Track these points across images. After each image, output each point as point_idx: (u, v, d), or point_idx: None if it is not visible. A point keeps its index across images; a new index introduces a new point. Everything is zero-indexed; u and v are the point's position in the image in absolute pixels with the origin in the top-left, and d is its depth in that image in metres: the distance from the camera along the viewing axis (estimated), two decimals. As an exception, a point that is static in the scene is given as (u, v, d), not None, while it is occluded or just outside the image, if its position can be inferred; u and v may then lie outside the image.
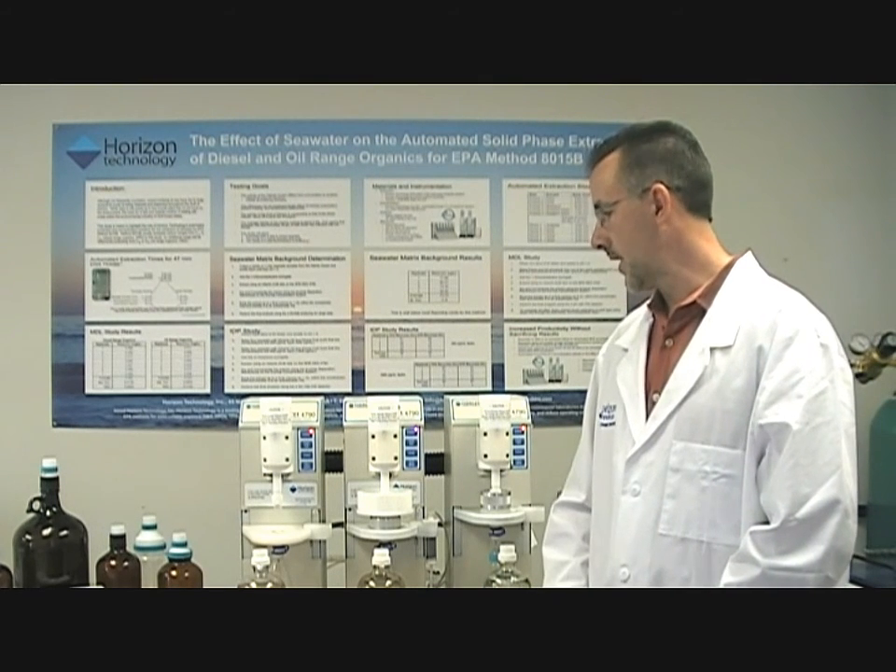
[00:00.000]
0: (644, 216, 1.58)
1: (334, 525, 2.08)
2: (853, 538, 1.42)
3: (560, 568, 1.73)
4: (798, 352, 1.45)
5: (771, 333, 1.46)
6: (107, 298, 2.96)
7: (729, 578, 1.42)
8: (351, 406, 2.14)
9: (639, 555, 1.53)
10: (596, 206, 1.64)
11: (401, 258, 3.02)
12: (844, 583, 1.48)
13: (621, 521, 1.57)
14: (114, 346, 2.96)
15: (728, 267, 1.58)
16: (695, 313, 1.57)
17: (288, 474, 2.05)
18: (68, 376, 2.93)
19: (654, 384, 1.59)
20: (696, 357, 1.53)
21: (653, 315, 1.67)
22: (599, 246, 1.65)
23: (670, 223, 1.57)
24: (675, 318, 1.60)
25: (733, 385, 1.48)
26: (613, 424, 1.64)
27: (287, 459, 2.04)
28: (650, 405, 1.58)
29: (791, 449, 1.41)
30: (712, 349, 1.51)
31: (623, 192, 1.59)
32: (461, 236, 3.02)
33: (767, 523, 1.42)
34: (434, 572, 2.16)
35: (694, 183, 1.59)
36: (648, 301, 1.69)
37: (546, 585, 1.76)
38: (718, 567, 1.45)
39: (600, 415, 1.70)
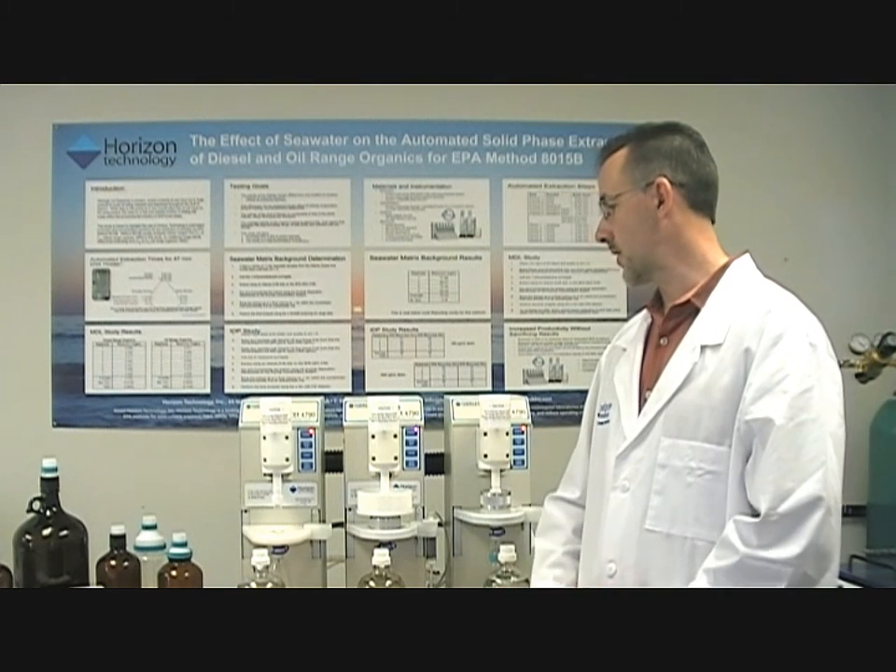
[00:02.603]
0: (646, 209, 1.59)
1: (334, 525, 2.08)
2: (836, 536, 1.42)
3: (547, 556, 1.76)
4: (785, 350, 1.46)
5: (759, 334, 1.47)
6: (107, 298, 2.96)
7: (709, 562, 1.43)
8: (351, 406, 2.14)
9: (626, 551, 1.54)
10: (602, 200, 1.65)
11: (401, 258, 3.02)
12: (830, 583, 1.47)
13: (609, 516, 1.58)
14: (114, 346, 2.96)
15: (724, 267, 1.60)
16: (689, 311, 1.59)
17: (288, 474, 2.05)
18: (68, 376, 2.93)
19: (648, 381, 1.61)
20: (687, 355, 1.54)
21: (651, 316, 1.69)
22: (602, 240, 1.67)
23: (671, 218, 1.59)
24: (670, 317, 1.62)
25: (720, 383, 1.49)
26: (608, 421, 1.66)
27: (287, 459, 2.04)
28: (643, 402, 1.59)
29: (774, 444, 1.41)
30: (703, 347, 1.53)
31: (626, 185, 1.61)
32: (461, 236, 3.02)
33: (753, 516, 1.43)
34: (434, 572, 2.16)
35: (698, 181, 1.61)
36: (647, 302, 1.70)
37: (534, 572, 1.77)
38: (700, 563, 1.45)
39: (598, 414, 1.71)
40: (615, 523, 1.57)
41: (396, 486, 2.05)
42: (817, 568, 1.40)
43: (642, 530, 1.52)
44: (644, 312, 1.71)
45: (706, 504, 1.48)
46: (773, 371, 1.44)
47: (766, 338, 1.46)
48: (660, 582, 1.50)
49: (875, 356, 2.79)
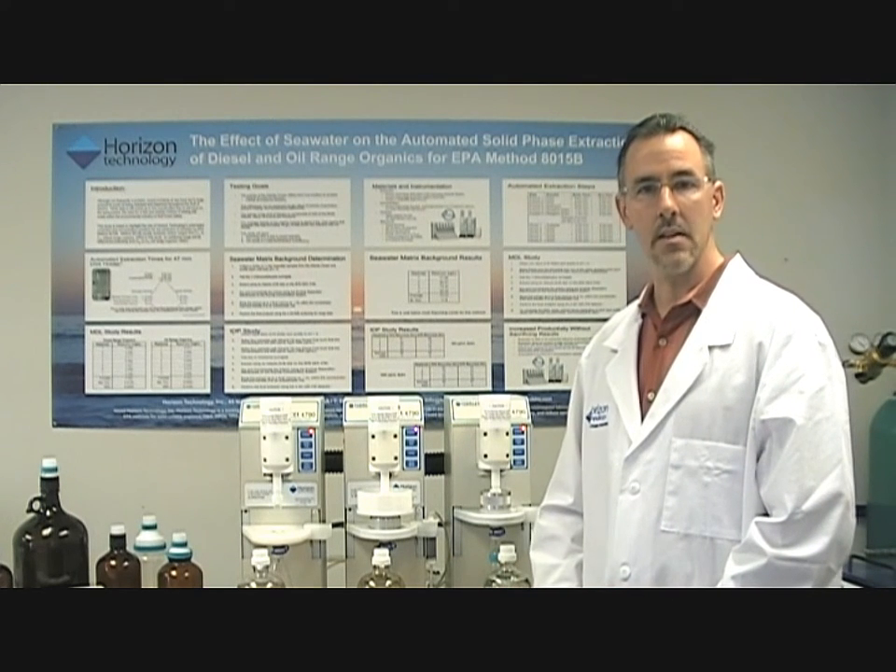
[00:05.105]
0: (711, 203, 1.61)
1: (334, 525, 2.08)
2: (853, 530, 1.44)
3: (551, 572, 1.72)
4: (797, 350, 1.47)
5: (770, 331, 1.49)
6: (107, 298, 2.96)
7: (734, 568, 1.43)
8: (351, 406, 2.14)
9: (641, 553, 1.53)
10: (679, 173, 1.57)
11: (401, 258, 3.02)
12: (839, 577, 1.49)
13: (620, 519, 1.57)
14: (114, 346, 2.96)
15: (720, 268, 1.61)
16: (689, 312, 1.59)
17: (288, 474, 2.05)
18: (68, 376, 2.93)
19: (649, 383, 1.60)
20: (695, 356, 1.54)
21: (642, 316, 1.68)
22: (673, 214, 1.56)
23: (714, 219, 1.62)
24: (669, 318, 1.62)
25: (733, 382, 1.49)
26: (605, 424, 1.64)
27: (287, 459, 2.04)
28: (644, 404, 1.59)
29: (795, 443, 1.43)
30: (710, 347, 1.53)
31: (707, 173, 1.60)
32: (461, 236, 3.02)
33: (768, 515, 1.44)
34: (434, 572, 2.16)
35: None
36: (638, 302, 1.70)
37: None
38: (721, 561, 1.46)
39: (588, 417, 1.69)
40: (626, 525, 1.55)
41: (396, 486, 2.05)
42: (837, 562, 1.44)
43: (657, 531, 1.52)
44: (631, 312, 1.71)
45: (724, 503, 1.49)
46: (788, 371, 1.46)
47: (778, 336, 1.48)
48: (679, 582, 1.50)
49: (875, 356, 2.79)
